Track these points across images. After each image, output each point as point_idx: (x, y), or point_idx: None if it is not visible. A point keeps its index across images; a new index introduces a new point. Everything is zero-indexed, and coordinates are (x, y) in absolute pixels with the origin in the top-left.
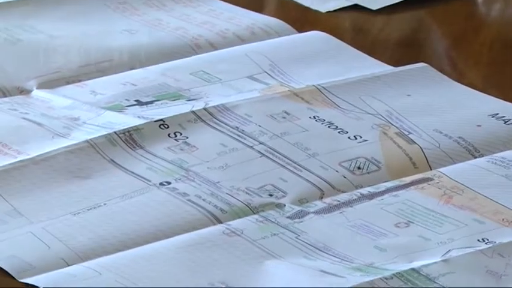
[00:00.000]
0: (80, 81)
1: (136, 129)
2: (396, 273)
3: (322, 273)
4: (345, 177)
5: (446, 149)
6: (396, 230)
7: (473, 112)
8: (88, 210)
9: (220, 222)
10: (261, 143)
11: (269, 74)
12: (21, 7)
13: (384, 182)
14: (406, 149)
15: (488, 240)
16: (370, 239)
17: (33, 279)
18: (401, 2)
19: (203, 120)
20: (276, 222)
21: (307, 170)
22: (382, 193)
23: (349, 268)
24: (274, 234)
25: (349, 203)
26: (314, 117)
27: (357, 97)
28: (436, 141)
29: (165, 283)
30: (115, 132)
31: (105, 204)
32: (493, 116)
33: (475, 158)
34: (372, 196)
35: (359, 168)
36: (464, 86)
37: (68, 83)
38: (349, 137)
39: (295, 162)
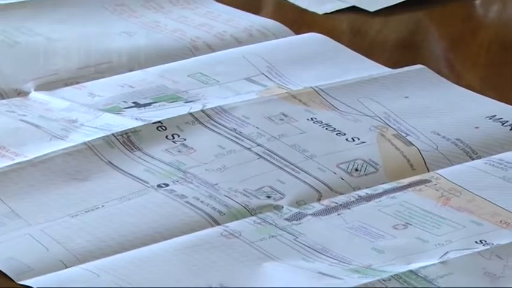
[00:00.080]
0: (78, 83)
1: (134, 131)
2: (394, 275)
3: (320, 275)
4: (342, 179)
5: (444, 151)
6: (394, 231)
7: (471, 114)
8: (86, 212)
9: (218, 224)
10: (258, 145)
11: (267, 76)
12: (19, 9)
13: (381, 183)
14: (403, 151)
15: (486, 242)
16: (368, 241)
17: (32, 281)
18: (398, 3)
19: (201, 122)
20: (273, 224)
21: (304, 171)
22: (379, 195)
23: (347, 270)
24: (272, 236)
25: (346, 205)
26: (312, 119)
27: (354, 99)
28: (433, 143)
29: (163, 285)
30: (113, 134)
31: (103, 206)
32: (490, 117)
33: (473, 159)
34: (369, 198)
35: (357, 170)
36: (462, 88)
37: (65, 85)
38: (346, 139)
39: (292, 164)
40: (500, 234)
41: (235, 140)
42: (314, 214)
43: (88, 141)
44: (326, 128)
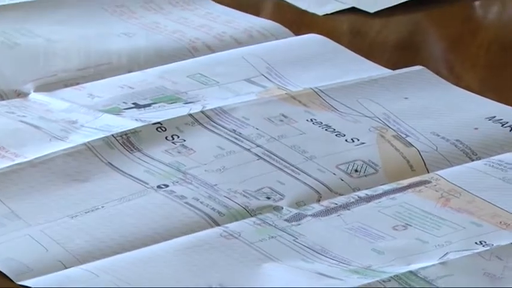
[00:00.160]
0: (77, 84)
1: (134, 132)
2: (394, 275)
3: (319, 275)
4: (342, 180)
5: (443, 152)
6: (394, 232)
7: (471, 115)
8: (86, 213)
9: (217, 224)
10: (258, 146)
11: (266, 77)
12: (18, 11)
13: (381, 184)
14: (403, 152)
15: (485, 243)
16: (368, 242)
17: (31, 282)
18: (398, 4)
19: (200, 123)
20: (273, 225)
21: (304, 172)
22: (379, 196)
23: (347, 271)
24: (272, 237)
25: (346, 206)
26: (311, 120)
27: (354, 100)
28: (433, 144)
29: (163, 285)
30: (112, 135)
31: (102, 207)
32: (490, 119)
33: (473, 160)
34: (369, 199)
35: (356, 171)
36: (462, 89)
37: (65, 86)
38: (346, 140)
39: (292, 165)
40: (500, 235)
41: (235, 141)
42: (314, 215)
43: (88, 142)
44: (326, 129)
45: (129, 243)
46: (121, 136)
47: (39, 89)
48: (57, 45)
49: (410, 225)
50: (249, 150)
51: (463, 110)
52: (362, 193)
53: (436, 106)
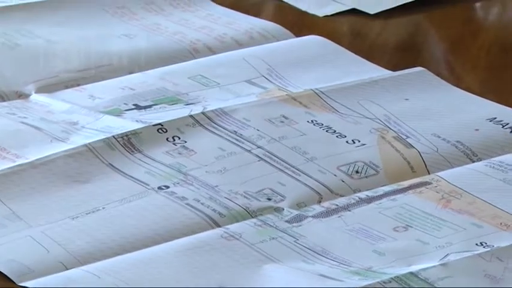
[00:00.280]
0: (78, 85)
1: (135, 133)
2: (394, 277)
3: (320, 277)
4: (343, 181)
5: (444, 153)
6: (394, 234)
7: (471, 116)
8: (87, 214)
9: (218, 226)
10: (259, 147)
11: (267, 78)
12: (19, 12)
13: (382, 186)
14: (404, 153)
15: (486, 244)
16: (369, 243)
17: (32, 283)
18: (399, 6)
19: (201, 125)
20: (274, 226)
21: (305, 174)
22: (380, 197)
23: (348, 272)
24: (273, 238)
25: (347, 207)
26: (312, 121)
27: (355, 101)
28: (434, 146)
29: (164, 286)
30: (113, 137)
31: (103, 208)
32: (490, 120)
33: (473, 162)
34: (370, 200)
35: (357, 172)
36: (462, 90)
37: (66, 87)
38: (347, 141)
39: (293, 166)
40: (501, 237)
41: (236, 142)
42: (314, 216)
43: (89, 144)
44: (326, 130)
45: (130, 244)
46: (122, 137)
47: (40, 90)
48: (57, 46)
49: (411, 227)
50: (249, 151)
51: (464, 111)
52: (363, 194)
53: (436, 107)
